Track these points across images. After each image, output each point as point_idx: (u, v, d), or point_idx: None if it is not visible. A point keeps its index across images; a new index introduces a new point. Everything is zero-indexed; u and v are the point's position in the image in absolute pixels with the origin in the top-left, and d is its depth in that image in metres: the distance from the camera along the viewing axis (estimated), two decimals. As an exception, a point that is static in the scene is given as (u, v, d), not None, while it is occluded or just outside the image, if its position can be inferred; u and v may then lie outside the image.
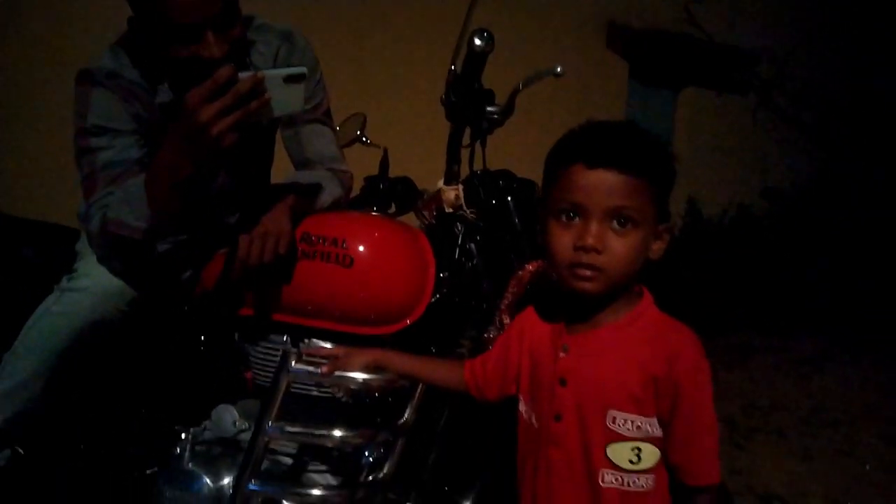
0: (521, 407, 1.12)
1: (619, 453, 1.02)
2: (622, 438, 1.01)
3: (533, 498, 1.09)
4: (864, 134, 6.19)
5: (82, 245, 1.51)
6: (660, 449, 1.02)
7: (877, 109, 6.19)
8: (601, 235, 0.98)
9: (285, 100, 1.21)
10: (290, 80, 1.21)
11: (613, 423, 1.01)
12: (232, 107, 1.15)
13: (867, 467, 2.88)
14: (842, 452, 3.01)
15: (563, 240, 1.00)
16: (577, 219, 0.99)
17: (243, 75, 1.16)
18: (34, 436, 1.57)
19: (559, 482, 1.05)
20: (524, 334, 1.13)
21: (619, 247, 0.98)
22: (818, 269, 5.11)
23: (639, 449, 1.01)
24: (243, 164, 1.56)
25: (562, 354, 1.05)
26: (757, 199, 6.40)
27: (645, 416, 1.01)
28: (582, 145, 1.01)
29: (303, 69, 1.22)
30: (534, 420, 1.09)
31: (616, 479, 1.02)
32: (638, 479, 1.02)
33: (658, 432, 1.01)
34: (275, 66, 1.48)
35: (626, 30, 5.48)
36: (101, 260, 1.40)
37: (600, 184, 0.97)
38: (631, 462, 1.01)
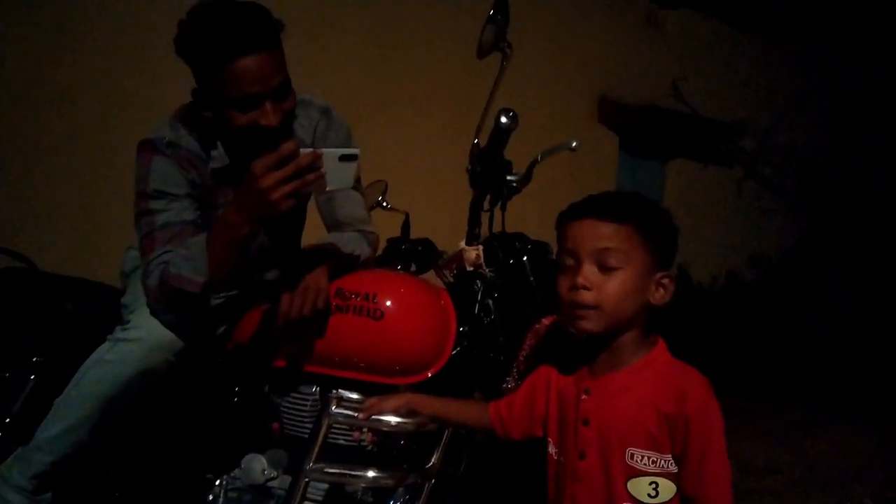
0: (551, 449, 1.23)
1: (639, 488, 1.11)
2: (641, 473, 1.11)
3: None
4: (844, 200, 6.39)
5: (131, 298, 1.61)
6: (676, 484, 1.11)
7: (855, 176, 6.42)
8: (589, 275, 1.12)
9: (338, 176, 1.33)
10: (344, 158, 1.33)
11: (632, 459, 1.11)
12: (292, 177, 1.28)
13: (862, 527, 2.94)
14: (835, 512, 3.08)
15: (563, 285, 1.15)
16: (572, 266, 1.14)
17: (305, 151, 1.30)
18: (72, 481, 1.63)
19: None
20: (551, 381, 1.25)
21: (607, 285, 1.11)
22: (806, 333, 5.21)
23: (656, 483, 1.11)
24: (280, 225, 1.69)
25: (584, 396, 1.17)
26: (745, 266, 6.58)
27: (660, 452, 1.11)
28: (573, 206, 1.19)
29: (356, 151, 1.34)
30: (561, 459, 1.20)
31: None
32: None
33: (674, 468, 1.11)
34: (314, 138, 1.62)
35: (616, 104, 5.74)
36: (154, 313, 1.50)
37: (585, 231, 1.14)
38: (649, 496, 1.11)
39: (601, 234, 1.12)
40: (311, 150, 1.30)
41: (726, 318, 5.52)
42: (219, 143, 1.53)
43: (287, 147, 1.27)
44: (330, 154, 1.32)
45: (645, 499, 1.11)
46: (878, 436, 4.05)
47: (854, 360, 4.85)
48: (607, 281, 1.11)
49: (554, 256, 1.63)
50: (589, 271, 1.12)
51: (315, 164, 1.29)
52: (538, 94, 5.00)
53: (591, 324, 1.12)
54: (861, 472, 3.56)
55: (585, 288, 1.11)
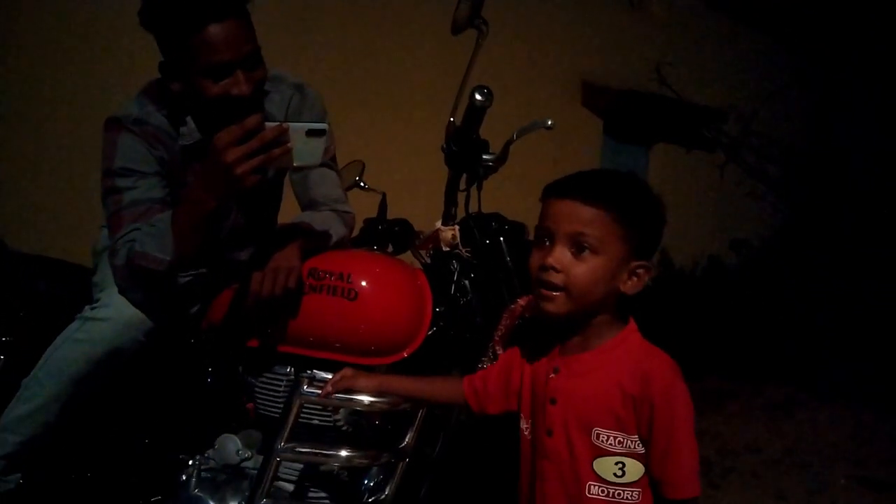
0: (522, 424, 1.22)
1: (605, 467, 1.10)
2: (607, 453, 1.10)
3: None
4: (826, 186, 6.44)
5: (101, 277, 1.59)
6: (643, 464, 1.10)
7: (837, 162, 6.47)
8: (561, 257, 1.09)
9: (306, 152, 1.30)
10: (311, 133, 1.30)
11: (598, 438, 1.11)
12: (256, 151, 1.26)
13: (837, 506, 2.98)
14: (813, 492, 3.11)
15: (534, 261, 1.13)
16: (546, 243, 1.11)
17: (270, 125, 1.27)
18: (41, 461, 1.61)
19: (551, 493, 1.14)
20: (525, 358, 1.24)
21: (576, 269, 1.08)
22: (786, 317, 5.25)
23: (623, 463, 1.10)
24: (254, 204, 1.66)
25: (552, 375, 1.16)
26: (726, 250, 6.62)
27: (626, 433, 1.10)
28: (559, 182, 1.15)
29: (324, 126, 1.32)
30: (531, 436, 1.19)
31: (602, 492, 1.10)
32: (623, 491, 1.10)
33: (641, 448, 1.10)
34: (287, 114, 1.60)
35: (600, 89, 5.72)
36: (122, 292, 1.48)
37: (564, 211, 1.10)
38: (615, 475, 1.10)
39: (580, 216, 1.09)
40: (276, 123, 1.28)
41: (707, 301, 5.55)
42: (188, 119, 1.50)
43: (251, 120, 1.24)
44: (297, 128, 1.29)
45: (611, 478, 1.10)
46: (856, 417, 4.10)
47: (833, 342, 4.90)
48: (577, 265, 1.09)
49: (531, 235, 1.63)
50: (560, 253, 1.09)
51: (281, 138, 1.26)
52: (521, 78, 4.97)
53: (554, 306, 1.10)
54: (838, 453, 3.60)
55: (554, 269, 1.09)
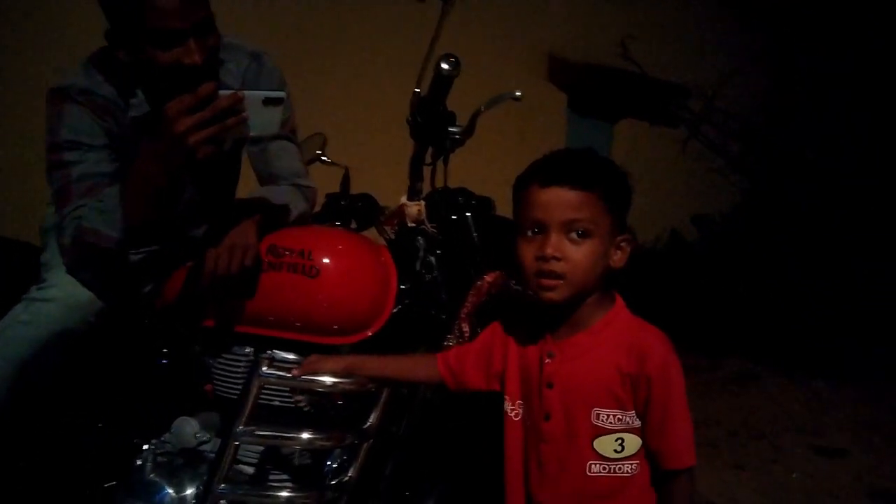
0: (508, 407, 1.22)
1: (605, 445, 1.13)
2: (607, 431, 1.13)
3: (525, 492, 1.19)
4: (786, 162, 6.54)
5: (49, 256, 1.51)
6: (640, 438, 1.13)
7: (797, 140, 6.56)
8: (559, 245, 1.10)
9: (262, 120, 1.26)
10: (268, 102, 1.25)
11: (598, 418, 1.13)
12: (210, 121, 1.20)
13: (794, 475, 3.05)
14: (770, 462, 3.18)
15: (527, 253, 1.13)
16: (538, 233, 1.12)
17: (224, 93, 1.21)
18: (-11, 448, 1.55)
19: (550, 475, 1.15)
20: (508, 340, 1.23)
21: (576, 255, 1.10)
22: (744, 292, 5.34)
23: (622, 439, 1.13)
24: (210, 178, 1.60)
25: (547, 360, 1.16)
26: (687, 225, 6.69)
27: (624, 410, 1.12)
28: (538, 168, 1.15)
29: (282, 94, 1.27)
30: (525, 420, 1.19)
31: (603, 469, 1.13)
32: (623, 465, 1.13)
33: (638, 423, 1.13)
34: (243, 85, 1.53)
35: (565, 63, 5.68)
36: (71, 271, 1.41)
37: (554, 199, 1.11)
38: (615, 451, 1.13)
39: (570, 203, 1.10)
40: (231, 91, 1.22)
41: (668, 275, 5.61)
42: (138, 91, 1.42)
43: (205, 88, 1.19)
44: (252, 97, 1.24)
45: (611, 454, 1.13)
46: (811, 388, 4.21)
47: (789, 316, 5.00)
48: (576, 251, 1.10)
49: (496, 212, 1.60)
50: (557, 241, 1.10)
51: (236, 107, 1.21)
52: (486, 50, 4.89)
53: (557, 294, 1.12)
54: (794, 423, 3.69)
55: (555, 258, 1.10)
